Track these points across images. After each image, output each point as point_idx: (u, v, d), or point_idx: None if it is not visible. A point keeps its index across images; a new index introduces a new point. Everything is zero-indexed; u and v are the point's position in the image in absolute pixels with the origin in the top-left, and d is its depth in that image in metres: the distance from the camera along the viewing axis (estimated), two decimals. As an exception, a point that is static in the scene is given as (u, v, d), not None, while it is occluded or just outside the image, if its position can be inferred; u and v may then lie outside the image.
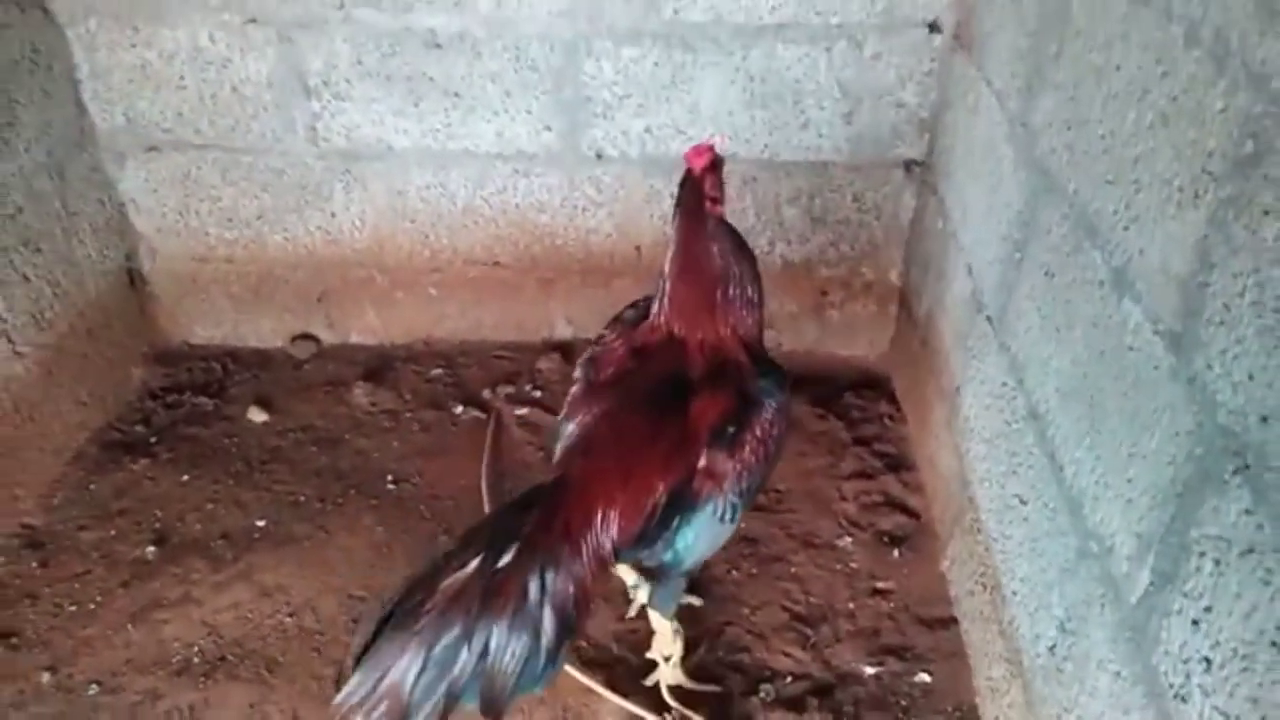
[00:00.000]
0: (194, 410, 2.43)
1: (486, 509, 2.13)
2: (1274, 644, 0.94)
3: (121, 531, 2.08)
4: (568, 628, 1.38)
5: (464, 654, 1.30)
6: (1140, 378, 1.24)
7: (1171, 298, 1.17)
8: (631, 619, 1.92)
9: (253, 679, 1.78)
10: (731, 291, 1.58)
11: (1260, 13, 1.01)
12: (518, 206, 2.44)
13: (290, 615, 1.90)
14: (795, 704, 1.78)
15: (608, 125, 2.31)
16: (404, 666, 1.28)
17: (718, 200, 1.57)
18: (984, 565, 1.79)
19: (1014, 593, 1.64)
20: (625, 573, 1.82)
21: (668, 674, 1.81)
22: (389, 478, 2.23)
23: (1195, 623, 1.08)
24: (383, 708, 1.28)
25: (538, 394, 2.47)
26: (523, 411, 2.42)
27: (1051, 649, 1.46)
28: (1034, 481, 1.58)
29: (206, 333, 2.66)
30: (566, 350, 2.60)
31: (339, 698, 1.29)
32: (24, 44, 2.10)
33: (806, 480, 2.25)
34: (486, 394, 2.47)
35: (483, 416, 2.40)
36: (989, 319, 1.82)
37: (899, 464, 2.28)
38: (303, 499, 2.17)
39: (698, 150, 1.56)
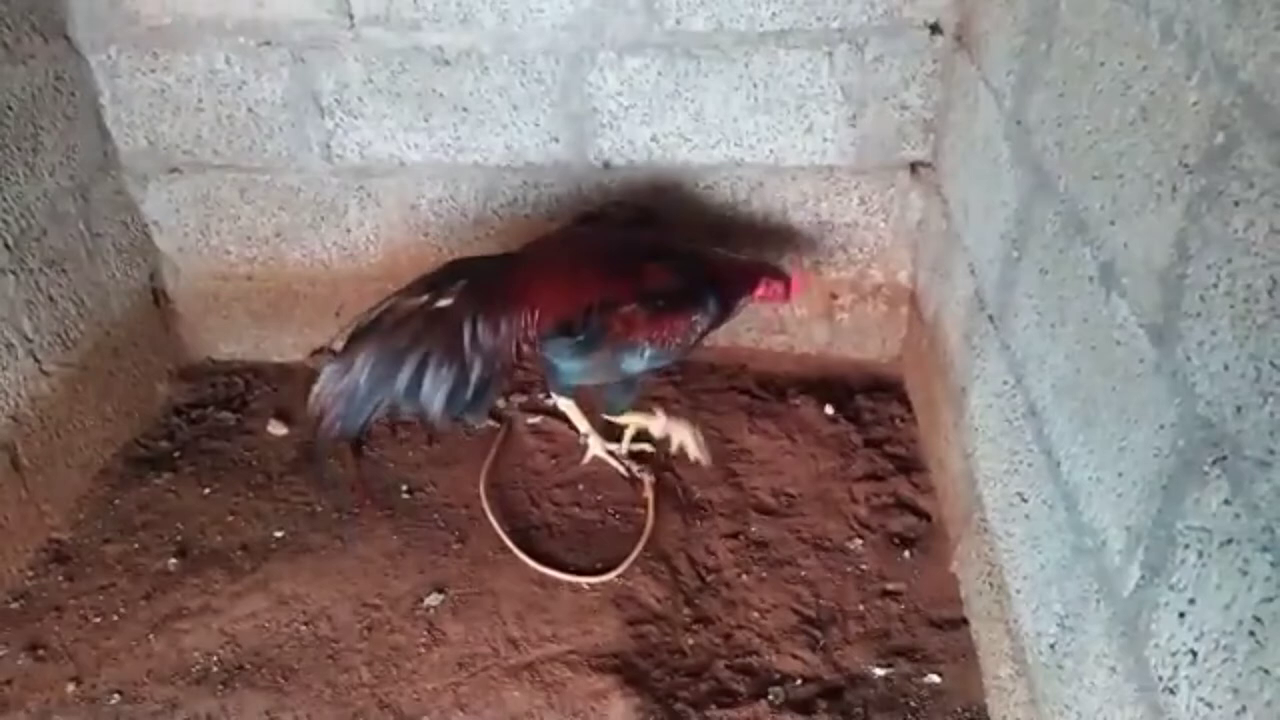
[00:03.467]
0: (217, 425, 2.48)
1: (487, 513, 2.16)
2: (1252, 634, 0.94)
3: (144, 544, 2.13)
4: (491, 374, 1.77)
5: (407, 362, 1.71)
6: (1127, 372, 1.24)
7: (1153, 291, 1.18)
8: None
9: (269, 687, 1.82)
10: None
11: (1227, 4, 1.02)
12: (528, 217, 2.47)
13: (306, 624, 1.94)
14: (804, 706, 1.78)
15: (614, 135, 2.34)
16: (360, 362, 1.71)
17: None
18: (990, 564, 1.78)
19: (1018, 591, 1.63)
20: (578, 420, 2.21)
21: (655, 429, 2.22)
22: (404, 487, 2.27)
23: (1181, 615, 1.08)
24: (340, 385, 1.72)
25: (550, 402, 2.49)
26: (535, 420, 2.45)
27: (1053, 646, 1.46)
28: (1034, 479, 1.58)
29: (229, 349, 2.72)
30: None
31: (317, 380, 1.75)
32: (48, 72, 2.16)
33: (817, 483, 2.25)
34: (500, 403, 2.49)
35: (497, 426, 2.43)
36: (990, 318, 1.82)
37: (910, 465, 2.28)
38: (319, 509, 2.21)
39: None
